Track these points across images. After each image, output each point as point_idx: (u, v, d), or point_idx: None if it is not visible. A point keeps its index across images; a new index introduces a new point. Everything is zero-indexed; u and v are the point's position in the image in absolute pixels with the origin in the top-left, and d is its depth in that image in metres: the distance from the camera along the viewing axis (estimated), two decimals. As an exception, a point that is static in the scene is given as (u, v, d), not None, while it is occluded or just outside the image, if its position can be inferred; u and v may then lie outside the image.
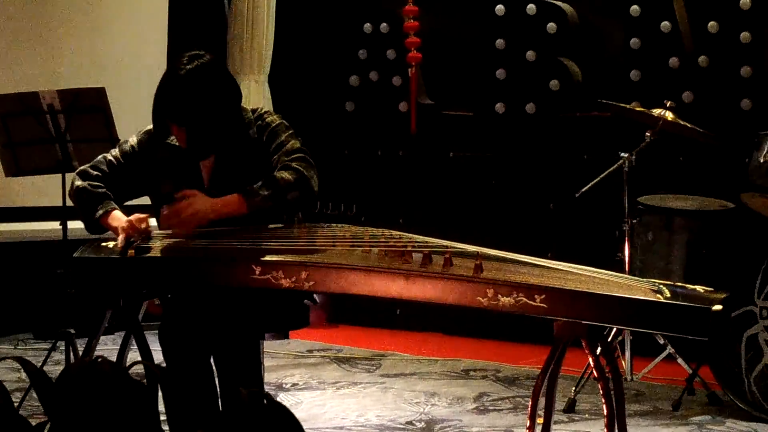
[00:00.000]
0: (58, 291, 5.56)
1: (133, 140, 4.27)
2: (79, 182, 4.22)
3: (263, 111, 4.27)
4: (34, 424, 2.39)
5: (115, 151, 4.27)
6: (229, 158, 4.18)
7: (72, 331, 5.32)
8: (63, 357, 5.49)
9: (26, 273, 7.02)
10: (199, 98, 4.05)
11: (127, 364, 3.07)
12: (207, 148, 4.16)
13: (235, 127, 4.16)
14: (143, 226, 4.06)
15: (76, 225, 5.52)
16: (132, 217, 4.07)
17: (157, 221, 4.26)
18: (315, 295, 4.33)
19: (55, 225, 5.44)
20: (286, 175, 4.03)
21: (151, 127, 4.27)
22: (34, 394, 5.32)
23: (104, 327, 5.24)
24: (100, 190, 4.18)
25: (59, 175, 5.35)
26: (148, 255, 3.98)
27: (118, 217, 4.11)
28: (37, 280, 6.90)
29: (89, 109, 5.29)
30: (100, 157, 4.29)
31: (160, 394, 2.42)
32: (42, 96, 5.28)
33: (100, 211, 4.13)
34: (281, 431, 2.04)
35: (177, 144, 4.21)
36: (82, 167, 4.28)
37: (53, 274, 5.76)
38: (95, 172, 4.23)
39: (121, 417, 2.15)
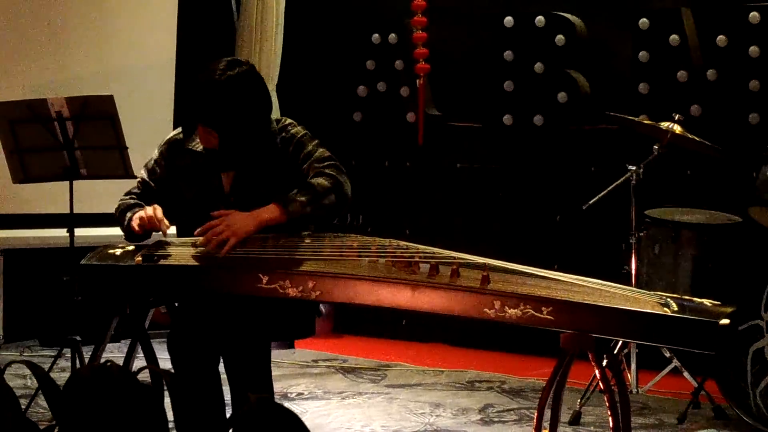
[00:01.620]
0: (64, 298, 5.55)
1: (155, 154, 4.30)
2: (116, 204, 4.26)
3: (287, 122, 4.28)
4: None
5: (143, 172, 4.32)
6: (253, 167, 4.19)
7: (78, 338, 5.33)
8: (69, 364, 5.49)
9: (33, 280, 7.02)
10: (239, 105, 4.09)
11: (134, 370, 3.08)
12: (236, 157, 4.16)
13: (264, 137, 4.17)
14: (158, 214, 4.07)
15: (83, 232, 5.54)
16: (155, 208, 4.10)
17: (177, 228, 4.27)
18: (321, 307, 4.33)
19: (62, 232, 5.43)
20: (321, 180, 4.06)
21: (171, 136, 4.30)
22: (40, 401, 5.32)
23: (110, 334, 5.24)
24: (131, 201, 4.22)
25: (67, 183, 5.36)
26: (156, 263, 3.98)
27: None
28: (44, 286, 6.91)
29: (97, 116, 5.28)
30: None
31: (167, 400, 2.42)
32: (50, 103, 5.28)
33: (129, 214, 4.16)
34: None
35: (198, 150, 4.21)
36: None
37: (60, 281, 5.75)
38: (129, 196, 4.27)
39: (130, 421, 2.15)
